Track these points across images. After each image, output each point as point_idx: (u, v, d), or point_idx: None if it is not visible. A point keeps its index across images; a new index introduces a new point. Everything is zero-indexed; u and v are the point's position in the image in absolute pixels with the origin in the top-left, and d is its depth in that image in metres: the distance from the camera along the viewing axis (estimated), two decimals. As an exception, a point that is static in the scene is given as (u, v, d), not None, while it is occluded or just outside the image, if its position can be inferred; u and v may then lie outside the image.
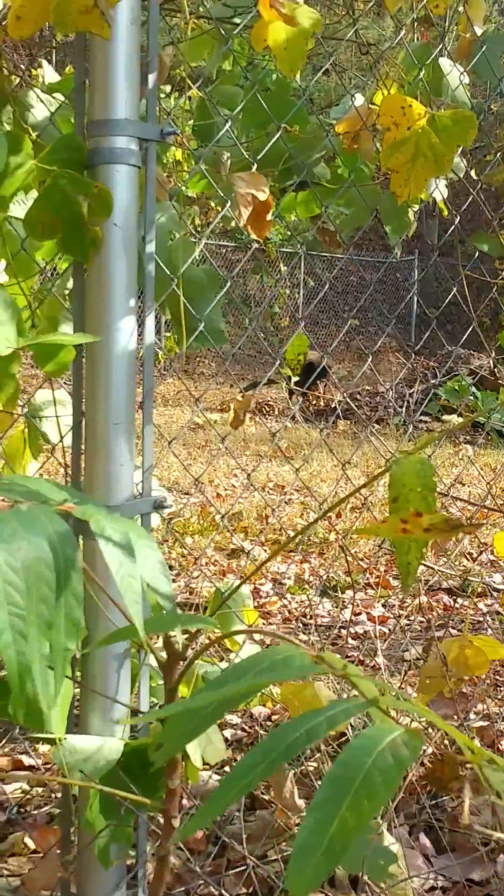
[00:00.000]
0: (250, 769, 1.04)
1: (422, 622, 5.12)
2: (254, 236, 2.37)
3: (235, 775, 1.04)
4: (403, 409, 14.47)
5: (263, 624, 5.06)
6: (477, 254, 2.98)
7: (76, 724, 2.12)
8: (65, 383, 2.42)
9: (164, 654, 1.58)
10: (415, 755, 0.98)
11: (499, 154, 2.84)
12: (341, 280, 25.48)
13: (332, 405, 14.42)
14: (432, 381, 14.99)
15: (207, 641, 1.66)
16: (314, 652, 1.18)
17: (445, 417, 13.78)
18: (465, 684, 3.53)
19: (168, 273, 2.36)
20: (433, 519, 1.34)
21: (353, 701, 1.08)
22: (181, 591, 5.22)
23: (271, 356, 2.96)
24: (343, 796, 0.95)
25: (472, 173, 2.93)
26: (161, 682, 1.93)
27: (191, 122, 2.92)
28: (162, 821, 1.57)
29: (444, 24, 2.81)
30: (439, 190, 2.82)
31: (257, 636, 3.24)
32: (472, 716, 3.68)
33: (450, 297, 3.09)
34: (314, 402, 15.33)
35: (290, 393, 14.79)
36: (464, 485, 9.60)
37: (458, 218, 2.87)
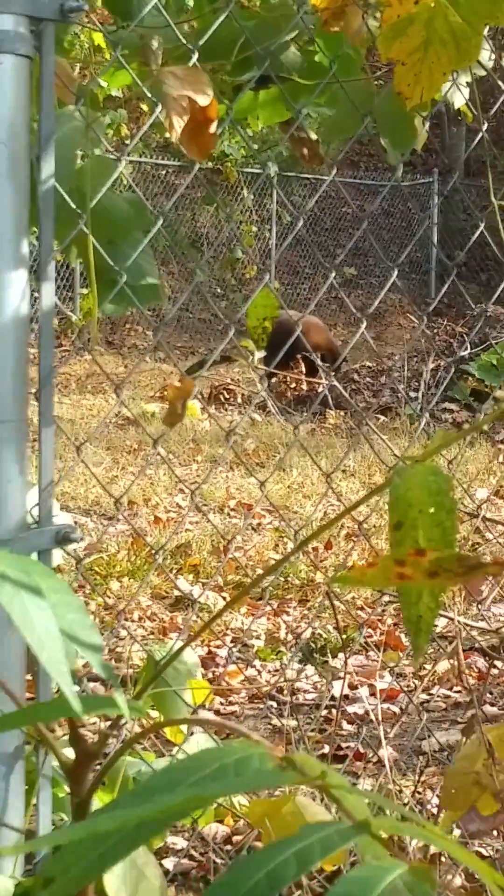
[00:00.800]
0: None
1: (446, 698, 5.13)
2: (193, 155, 2.37)
3: None
4: (420, 394, 14.48)
5: (221, 704, 5.06)
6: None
7: (-51, 852, 2.12)
8: None
9: (67, 759, 1.57)
10: None
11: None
12: (330, 212, 25.49)
13: (319, 389, 14.43)
14: (460, 354, 14.98)
15: (137, 731, 1.66)
16: (279, 751, 1.17)
17: (477, 405, 13.78)
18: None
19: (75, 205, 2.36)
20: (445, 557, 1.33)
21: (336, 826, 1.07)
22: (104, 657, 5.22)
23: (231, 322, 2.95)
24: None
25: (505, 62, 2.94)
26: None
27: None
28: None
29: None
30: (458, 88, 2.82)
31: (207, 724, 3.24)
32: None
33: (477, 234, 3.09)
34: (295, 386, 15.33)
35: (270, 376, 14.75)
36: (506, 500, 9.65)
37: (486, 126, 2.88)
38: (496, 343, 14.80)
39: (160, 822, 1.10)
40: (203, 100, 2.37)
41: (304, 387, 15.26)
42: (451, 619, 5.04)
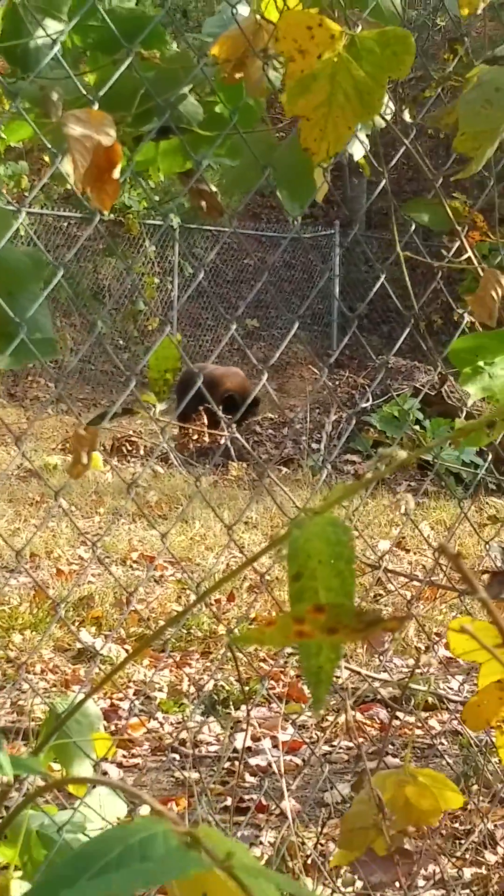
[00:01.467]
0: None
1: (349, 749, 5.14)
2: (95, 203, 2.37)
3: None
4: (322, 446, 14.52)
5: (124, 757, 5.04)
6: (414, 227, 3.01)
7: None
8: None
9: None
10: None
11: (442, 88, 2.87)
12: (232, 264, 25.53)
13: (221, 442, 14.45)
14: (361, 406, 15.04)
15: (39, 784, 1.65)
16: (183, 828, 1.16)
17: (382, 452, 13.75)
18: (410, 837, 3.53)
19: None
20: (342, 613, 1.33)
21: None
22: (2, 711, 5.19)
23: (132, 374, 2.95)
24: None
25: (406, 115, 2.96)
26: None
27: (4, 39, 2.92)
28: None
29: None
30: (358, 140, 2.83)
31: (109, 786, 3.23)
32: (419, 882, 3.69)
33: (377, 285, 3.11)
34: (197, 438, 15.33)
35: (204, 428, 14.74)
36: (408, 550, 9.67)
37: (385, 180, 2.89)
38: (397, 395, 14.88)
39: None
40: (106, 140, 2.37)
41: (206, 439, 15.26)
42: (354, 671, 5.05)
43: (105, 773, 3.56)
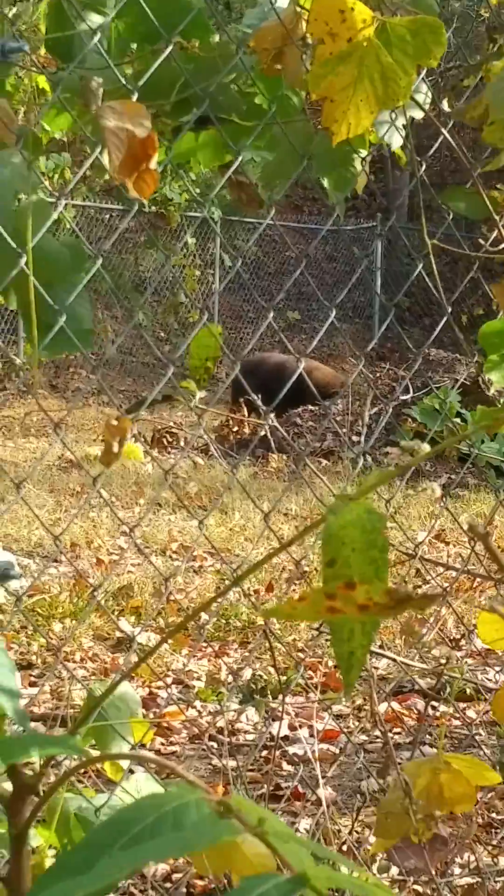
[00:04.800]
0: None
1: (384, 738, 5.14)
2: (133, 193, 2.38)
3: None
4: (362, 438, 14.47)
5: (162, 744, 5.06)
6: (454, 218, 3.01)
7: None
8: None
9: (8, 786, 1.58)
10: None
11: (477, 78, 2.87)
12: (273, 257, 25.51)
13: (261, 433, 14.42)
14: (401, 397, 14.99)
15: (72, 767, 1.66)
16: (218, 797, 1.16)
17: (409, 445, 13.69)
18: (445, 825, 3.53)
19: (13, 246, 2.37)
20: (375, 591, 1.34)
21: (276, 879, 1.06)
22: (42, 697, 5.21)
23: (172, 363, 2.95)
24: None
25: (445, 105, 2.96)
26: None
27: (49, 32, 2.93)
28: None
29: None
30: (397, 129, 2.84)
31: (147, 765, 3.23)
32: (455, 869, 3.70)
33: (413, 278, 3.11)
34: (236, 429, 15.31)
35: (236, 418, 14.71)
36: (448, 543, 9.65)
37: (423, 168, 2.90)
38: (438, 387, 14.81)
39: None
40: (141, 131, 2.37)
41: (247, 430, 15.23)
42: (391, 659, 5.05)
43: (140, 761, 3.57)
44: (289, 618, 1.39)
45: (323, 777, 4.14)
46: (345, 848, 3.70)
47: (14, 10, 2.94)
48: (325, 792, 3.98)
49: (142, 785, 2.67)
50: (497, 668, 6.11)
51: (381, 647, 5.92)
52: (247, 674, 5.97)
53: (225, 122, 3.09)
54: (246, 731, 5.29)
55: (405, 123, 2.84)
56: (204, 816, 1.12)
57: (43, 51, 2.91)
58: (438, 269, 2.99)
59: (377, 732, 5.18)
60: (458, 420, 13.80)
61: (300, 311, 24.05)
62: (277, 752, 4.95)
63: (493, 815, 4.18)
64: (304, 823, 4.14)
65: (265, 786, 4.53)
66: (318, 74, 2.26)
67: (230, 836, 1.09)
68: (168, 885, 3.64)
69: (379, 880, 3.48)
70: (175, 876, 3.70)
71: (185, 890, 3.63)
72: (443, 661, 6.11)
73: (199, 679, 6.03)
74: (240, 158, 3.03)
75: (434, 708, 5.57)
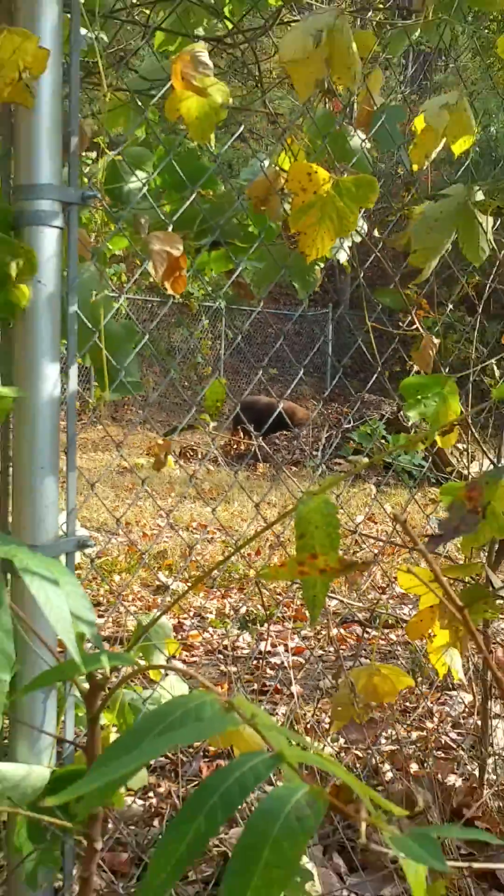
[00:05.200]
0: (182, 833, 1.02)
1: (336, 652, 5.13)
2: (170, 291, 2.38)
3: (168, 842, 1.02)
4: (319, 452, 14.50)
5: (186, 656, 5.05)
6: (380, 307, 3.01)
7: (4, 753, 2.11)
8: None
9: (86, 685, 1.57)
10: (318, 818, 0.95)
11: (399, 217, 2.87)
12: (260, 332, 25.49)
13: (252, 449, 14.42)
14: (345, 426, 15.03)
15: (128, 674, 1.65)
16: (225, 697, 1.17)
17: (353, 458, 13.82)
18: (376, 711, 3.53)
19: (90, 327, 2.37)
20: (329, 560, 1.35)
21: (262, 756, 1.07)
22: (107, 625, 5.19)
23: (194, 403, 2.94)
24: (253, 867, 0.94)
25: (375, 233, 2.96)
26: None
27: (113, 184, 2.93)
28: (86, 845, 1.56)
29: (348, 96, 2.85)
30: (344, 249, 2.84)
31: (177, 670, 3.22)
32: (382, 740, 3.69)
33: (354, 346, 3.11)
34: (235, 446, 15.32)
35: (248, 439, 14.74)
36: (376, 522, 9.64)
37: (362, 274, 2.90)
38: (369, 419, 14.86)
39: (144, 763, 1.09)
40: (175, 252, 2.38)
41: (242, 447, 15.22)
42: (339, 600, 5.04)
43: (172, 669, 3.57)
44: (276, 578, 1.40)
45: (294, 679, 4.14)
46: (308, 727, 3.69)
47: (87, 169, 2.93)
48: (295, 688, 3.97)
49: (173, 684, 2.67)
50: (410, 606, 6.11)
51: (333, 591, 5.90)
52: (243, 609, 5.95)
53: (229, 244, 3.10)
54: (242, 648, 5.28)
55: (350, 245, 2.84)
56: (216, 712, 1.13)
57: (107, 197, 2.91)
58: (371, 341, 2.98)
59: (331, 649, 5.17)
60: (383, 441, 13.84)
61: (277, 368, 24.01)
62: (263, 662, 4.95)
63: (407, 704, 4.17)
64: (282, 710, 4.13)
65: (255, 684, 4.52)
66: (296, 216, 2.27)
67: (232, 726, 1.09)
68: (191, 749, 3.63)
69: (331, 755, 3.49)
70: (196, 744, 3.69)
71: (202, 753, 3.62)
72: (374, 601, 6.10)
73: (210, 613, 6.01)
74: (239, 267, 3.03)
75: (368, 632, 5.56)
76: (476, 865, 1.30)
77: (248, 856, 0.93)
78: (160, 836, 2.91)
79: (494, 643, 4.30)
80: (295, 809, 0.96)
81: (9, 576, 2.01)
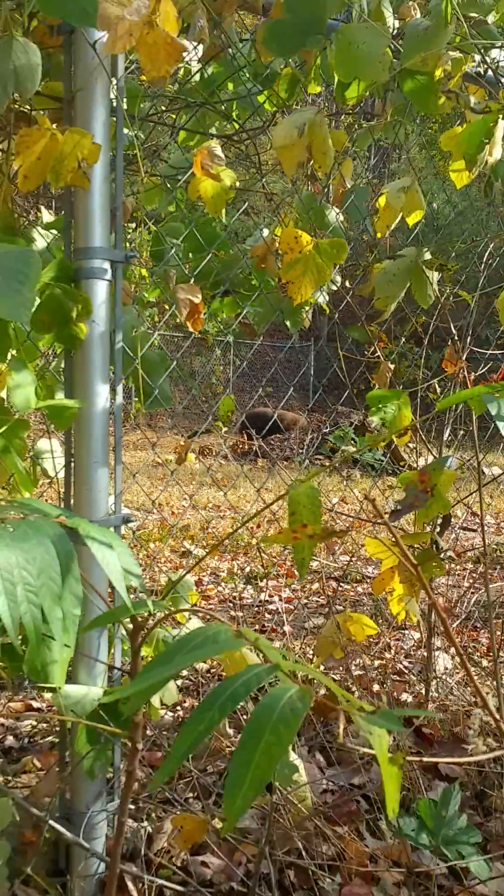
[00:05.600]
0: (202, 718, 1.04)
1: (317, 601, 5.13)
2: (191, 329, 2.38)
3: (191, 723, 1.04)
4: (304, 450, 14.49)
5: (204, 605, 5.04)
6: (350, 340, 3.00)
7: (69, 678, 2.11)
8: (51, 434, 2.41)
9: (130, 625, 1.57)
10: (306, 708, 0.97)
11: (365, 272, 2.86)
12: (259, 359, 25.47)
13: (254, 448, 14.41)
14: (324, 431, 15.01)
15: (161, 616, 1.65)
16: (235, 628, 1.17)
17: (333, 456, 13.81)
18: (349, 644, 3.53)
19: (131, 355, 2.37)
20: (315, 529, 1.35)
21: (263, 667, 1.08)
22: (145, 581, 5.19)
23: (210, 413, 2.95)
24: (257, 743, 0.96)
25: (347, 283, 2.95)
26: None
27: (149, 247, 2.93)
28: (130, 746, 1.56)
29: (325, 180, 2.85)
30: (323, 295, 2.84)
31: (199, 613, 3.22)
32: (353, 667, 3.69)
33: (331, 370, 3.11)
34: (241, 446, 15.31)
35: (250, 440, 14.75)
36: (347, 503, 9.63)
37: (336, 315, 2.89)
38: (342, 425, 14.84)
39: (178, 672, 1.09)
40: (196, 299, 2.38)
41: (246, 447, 15.22)
42: (321, 562, 5.03)
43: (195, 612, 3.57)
44: (273, 543, 1.40)
45: (286, 621, 4.14)
46: (297, 657, 3.69)
47: (129, 236, 2.94)
48: (287, 628, 3.97)
49: (195, 625, 2.67)
50: (373, 567, 6.10)
51: (314, 556, 5.90)
52: (247, 569, 5.95)
53: (236, 292, 3.09)
54: (246, 598, 5.27)
55: (327, 292, 2.84)
56: (228, 637, 1.13)
57: (146, 255, 2.92)
58: (343, 366, 2.98)
59: (313, 599, 5.17)
60: (352, 441, 13.82)
61: (272, 387, 24.02)
62: (262, 609, 4.94)
63: (371, 639, 4.17)
64: (276, 644, 4.13)
65: (256, 625, 4.52)
66: (286, 270, 2.26)
67: (240, 647, 1.10)
68: (208, 675, 3.63)
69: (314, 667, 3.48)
70: (213, 670, 3.69)
71: (217, 677, 3.62)
72: (346, 563, 6.10)
73: (223, 572, 6.00)
74: (244, 311, 3.02)
75: (341, 586, 5.56)
76: (425, 759, 1.30)
77: (254, 736, 0.95)
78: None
79: (437, 594, 4.30)
80: (288, 703, 0.98)
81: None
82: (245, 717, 3.10)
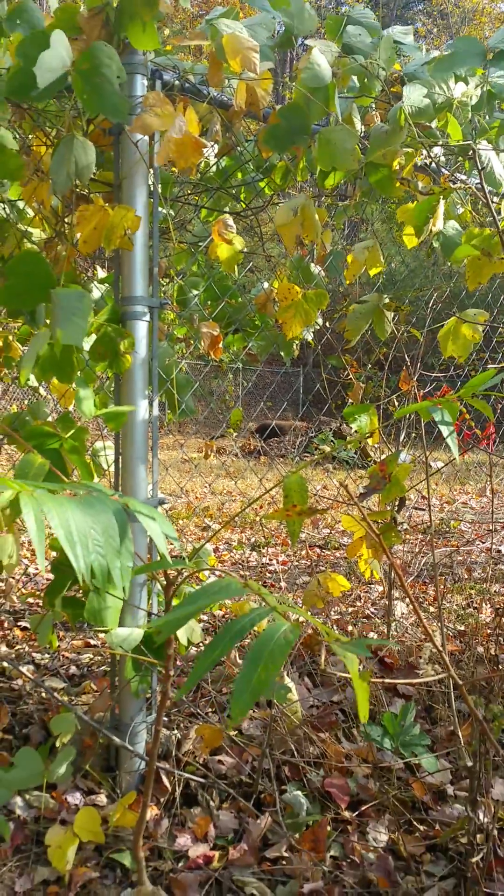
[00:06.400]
0: (218, 645, 1.04)
1: (306, 564, 5.12)
2: (213, 356, 2.38)
3: (209, 648, 1.04)
4: (296, 450, 14.47)
5: (220, 566, 5.04)
6: (330, 366, 3.00)
7: (118, 622, 2.11)
8: (103, 435, 2.41)
9: (164, 581, 1.57)
10: (296, 637, 0.98)
11: (342, 314, 2.86)
12: (261, 381, 25.45)
13: (258, 448, 14.39)
14: (310, 435, 14.99)
15: (187, 574, 1.65)
16: (243, 581, 1.17)
17: (317, 454, 13.77)
18: (329, 598, 3.52)
19: (165, 377, 2.37)
20: (303, 508, 1.35)
21: (265, 608, 1.08)
22: (175, 549, 5.19)
23: (224, 422, 2.95)
24: (258, 663, 0.96)
25: (327, 323, 2.95)
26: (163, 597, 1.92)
27: (178, 296, 2.93)
28: (164, 673, 1.56)
29: (311, 247, 2.85)
30: (309, 332, 2.84)
31: (216, 572, 3.22)
32: (332, 613, 3.69)
33: (315, 389, 3.11)
34: (246, 446, 15.31)
35: (261, 443, 14.73)
36: (328, 489, 9.61)
37: (319, 347, 2.89)
38: (324, 430, 14.85)
39: (199, 611, 1.09)
40: (215, 333, 2.38)
41: (251, 447, 15.22)
42: (308, 535, 5.01)
43: (213, 571, 3.57)
44: (272, 519, 1.40)
45: (282, 578, 4.13)
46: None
47: (164, 287, 2.94)
48: (283, 584, 3.97)
49: (213, 580, 2.66)
50: (347, 537, 6.09)
51: (303, 530, 5.89)
52: (252, 539, 5.94)
53: (244, 330, 3.09)
54: (252, 562, 5.27)
55: (312, 330, 2.84)
56: (237, 587, 1.13)
57: (174, 302, 2.92)
58: (325, 386, 2.98)
59: (302, 562, 5.16)
60: (332, 443, 13.80)
61: (271, 402, 24.01)
62: (264, 569, 4.94)
63: (346, 592, 4.16)
64: (275, 595, 4.12)
65: (259, 582, 4.51)
66: (281, 313, 2.27)
67: (247, 593, 1.10)
68: (224, 619, 3.62)
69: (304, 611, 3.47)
70: (226, 616, 3.68)
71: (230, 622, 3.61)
72: (327, 535, 6.09)
73: (234, 542, 6.00)
74: (250, 344, 3.02)
75: (323, 552, 5.55)
76: (386, 681, 1.30)
77: (255, 658, 0.96)
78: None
79: (395, 557, 4.28)
80: (283, 634, 0.99)
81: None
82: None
